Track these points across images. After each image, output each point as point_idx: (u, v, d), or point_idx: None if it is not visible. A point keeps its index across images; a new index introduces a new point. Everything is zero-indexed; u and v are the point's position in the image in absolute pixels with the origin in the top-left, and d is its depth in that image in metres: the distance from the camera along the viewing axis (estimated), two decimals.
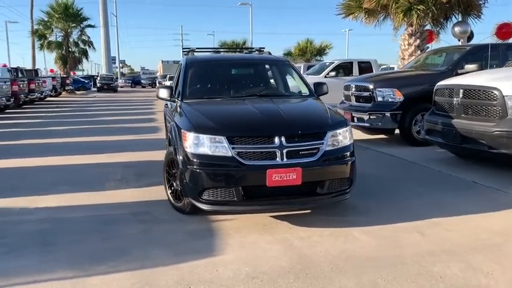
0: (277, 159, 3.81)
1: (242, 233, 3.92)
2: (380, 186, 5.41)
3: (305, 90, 5.23)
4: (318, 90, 5.34)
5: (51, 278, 3.09)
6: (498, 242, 3.61)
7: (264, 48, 6.68)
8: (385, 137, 9.20)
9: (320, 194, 3.98)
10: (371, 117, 8.06)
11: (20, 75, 21.62)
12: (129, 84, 57.92)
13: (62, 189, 5.43)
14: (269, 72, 5.66)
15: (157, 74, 61.06)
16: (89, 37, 33.49)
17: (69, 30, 32.81)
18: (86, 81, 41.60)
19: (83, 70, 71.32)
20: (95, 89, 40.42)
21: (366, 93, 8.34)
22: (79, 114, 16.79)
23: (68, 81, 31.52)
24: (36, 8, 35.19)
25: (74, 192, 5.30)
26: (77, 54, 34.10)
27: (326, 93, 5.45)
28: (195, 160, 3.85)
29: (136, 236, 3.90)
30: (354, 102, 8.76)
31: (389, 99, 7.98)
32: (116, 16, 55.62)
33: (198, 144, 3.87)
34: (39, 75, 24.97)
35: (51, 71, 44.70)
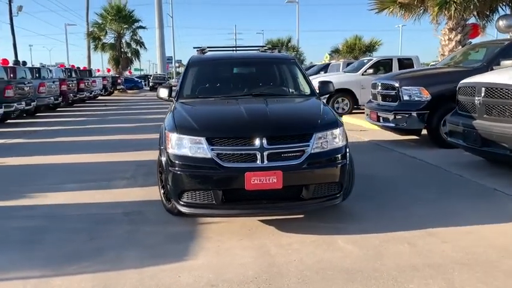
0: (258, 161, 3.66)
1: (223, 237, 3.81)
2: (386, 191, 5.11)
3: (307, 90, 5.03)
4: (322, 89, 5.13)
5: (17, 277, 3.15)
6: (493, 259, 3.26)
7: (277, 46, 6.54)
8: (415, 138, 8.72)
9: (305, 199, 3.79)
10: (396, 117, 7.66)
11: (73, 75, 22.74)
12: None
13: (74, 186, 5.57)
14: (272, 71, 5.50)
15: None
16: (140, 37, 34.62)
17: (121, 32, 34.06)
18: (139, 81, 43.05)
19: (141, 70, 73.73)
20: (148, 88, 41.68)
21: (392, 92, 7.94)
22: (123, 112, 17.35)
23: (119, 81, 32.75)
24: (91, 11, 36.82)
25: (84, 190, 5.41)
26: (129, 55, 35.35)
27: (332, 92, 5.22)
28: (176, 161, 3.79)
29: (121, 237, 3.90)
30: (380, 101, 8.38)
31: (416, 98, 7.53)
32: (171, 17, 56.89)
33: (180, 145, 3.81)
34: (93, 75, 26.12)
35: (108, 70, 46.74)
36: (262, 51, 6.08)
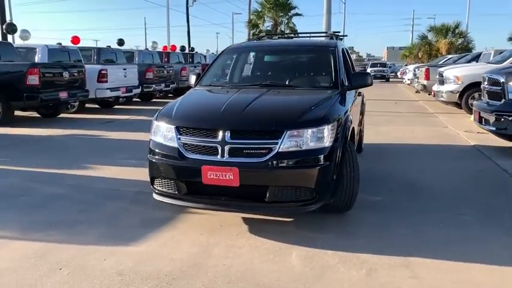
0: (218, 155, 3.46)
1: (189, 229, 3.76)
2: (417, 206, 4.29)
3: (331, 82, 4.49)
4: (354, 81, 4.56)
5: None
6: None
7: (339, 32, 5.99)
8: None
9: (267, 202, 3.45)
10: (498, 119, 6.31)
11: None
12: None
13: (133, 162, 5.93)
14: (304, 60, 5.05)
15: (383, 61, 60.09)
16: (294, 25, 35.11)
17: (278, 20, 35.06)
18: None
19: None
20: None
21: (497, 88, 6.55)
22: None
23: None
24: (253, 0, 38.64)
25: (138, 166, 5.56)
26: None
27: (368, 85, 4.60)
28: (151, 148, 3.83)
29: (107, 214, 4.15)
30: (486, 98, 7.00)
31: None
32: (344, 3, 55.73)
33: (156, 132, 3.84)
34: None
35: None
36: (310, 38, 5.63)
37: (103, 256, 3.22)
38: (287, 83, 4.67)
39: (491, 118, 6.43)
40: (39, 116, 11.32)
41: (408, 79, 22.57)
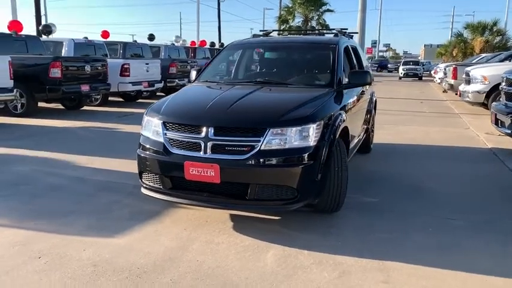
0: (201, 152, 3.48)
1: (174, 223, 3.80)
2: (411, 209, 4.18)
3: (327, 80, 4.42)
4: (352, 79, 4.47)
5: None
6: None
7: (346, 29, 5.89)
8: None
9: (247, 199, 3.44)
10: None
11: None
12: (375, 68, 57.49)
13: (126, 155, 6.08)
14: (304, 57, 4.97)
15: (418, 59, 58.96)
16: (324, 21, 34.71)
17: (309, 16, 34.77)
18: None
19: None
20: None
21: None
22: None
23: None
24: None
25: (130, 159, 5.90)
26: None
27: (368, 83, 4.52)
28: (140, 142, 3.89)
29: (100, 205, 4.24)
30: (504, 99, 6.72)
31: None
32: None
33: (145, 127, 3.89)
34: None
35: None
36: (315, 35, 5.55)
37: (83, 247, 3.30)
38: (282, 80, 4.62)
39: (507, 120, 6.17)
40: (63, 108, 11.67)
41: (439, 78, 21.91)
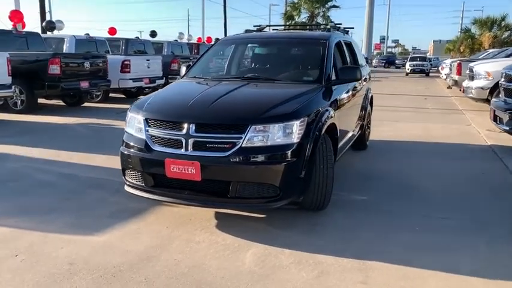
0: (182, 149, 3.42)
1: (157, 221, 3.76)
2: (400, 207, 4.10)
3: (315, 76, 4.34)
4: (341, 75, 4.39)
5: None
6: None
7: (340, 24, 5.80)
8: None
9: (229, 197, 3.38)
10: (511, 117, 5.93)
11: None
12: (383, 65, 56.97)
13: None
14: (293, 53, 4.90)
15: (427, 55, 58.58)
16: (328, 16, 34.51)
17: (315, 12, 34.59)
18: None
19: None
20: None
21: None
22: None
23: None
24: None
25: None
26: None
27: (357, 79, 4.43)
28: (124, 139, 3.85)
29: (84, 202, 4.21)
30: (503, 96, 6.59)
31: None
32: None
33: (129, 123, 3.85)
34: None
35: None
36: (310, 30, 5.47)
37: (62, 245, 3.27)
38: (270, 76, 4.55)
39: (506, 117, 6.05)
40: (64, 104, 11.69)
41: (445, 74, 21.66)
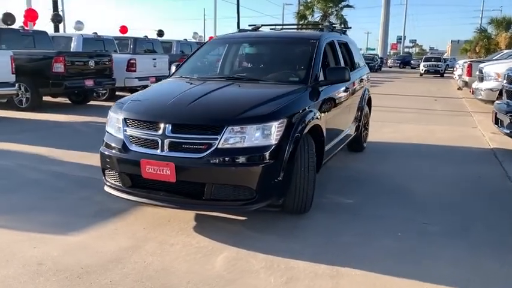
0: (158, 149, 3.38)
1: (136, 222, 3.73)
2: (386, 212, 3.99)
3: (301, 76, 4.26)
4: (329, 76, 4.30)
5: None
6: None
7: (334, 24, 5.70)
8: None
9: (203, 199, 3.32)
10: (511, 120, 5.76)
11: None
12: (398, 65, 56.26)
13: None
14: (282, 53, 4.81)
15: (445, 55, 57.88)
16: (342, 16, 34.22)
17: (328, 11, 34.34)
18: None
19: (373, 49, 72.85)
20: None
21: None
22: None
23: None
24: None
25: None
26: None
27: (346, 80, 4.32)
28: (104, 139, 3.82)
29: (69, 201, 4.20)
30: (505, 98, 6.40)
31: None
32: None
33: (109, 122, 3.83)
34: None
35: None
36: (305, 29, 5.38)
37: (35, 244, 3.25)
38: (256, 76, 4.48)
39: (506, 119, 5.88)
40: (70, 102, 11.78)
41: (458, 75, 21.28)
